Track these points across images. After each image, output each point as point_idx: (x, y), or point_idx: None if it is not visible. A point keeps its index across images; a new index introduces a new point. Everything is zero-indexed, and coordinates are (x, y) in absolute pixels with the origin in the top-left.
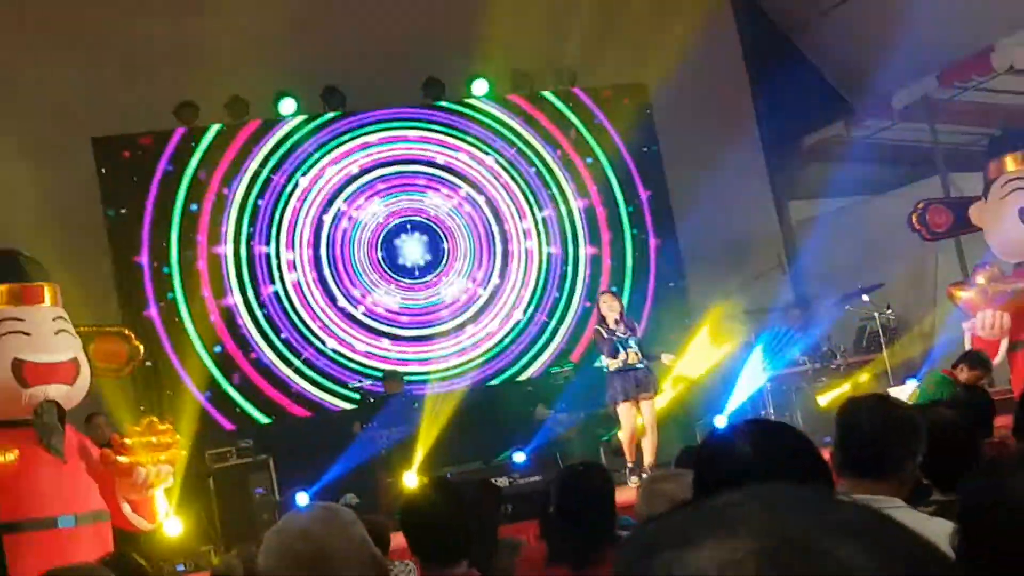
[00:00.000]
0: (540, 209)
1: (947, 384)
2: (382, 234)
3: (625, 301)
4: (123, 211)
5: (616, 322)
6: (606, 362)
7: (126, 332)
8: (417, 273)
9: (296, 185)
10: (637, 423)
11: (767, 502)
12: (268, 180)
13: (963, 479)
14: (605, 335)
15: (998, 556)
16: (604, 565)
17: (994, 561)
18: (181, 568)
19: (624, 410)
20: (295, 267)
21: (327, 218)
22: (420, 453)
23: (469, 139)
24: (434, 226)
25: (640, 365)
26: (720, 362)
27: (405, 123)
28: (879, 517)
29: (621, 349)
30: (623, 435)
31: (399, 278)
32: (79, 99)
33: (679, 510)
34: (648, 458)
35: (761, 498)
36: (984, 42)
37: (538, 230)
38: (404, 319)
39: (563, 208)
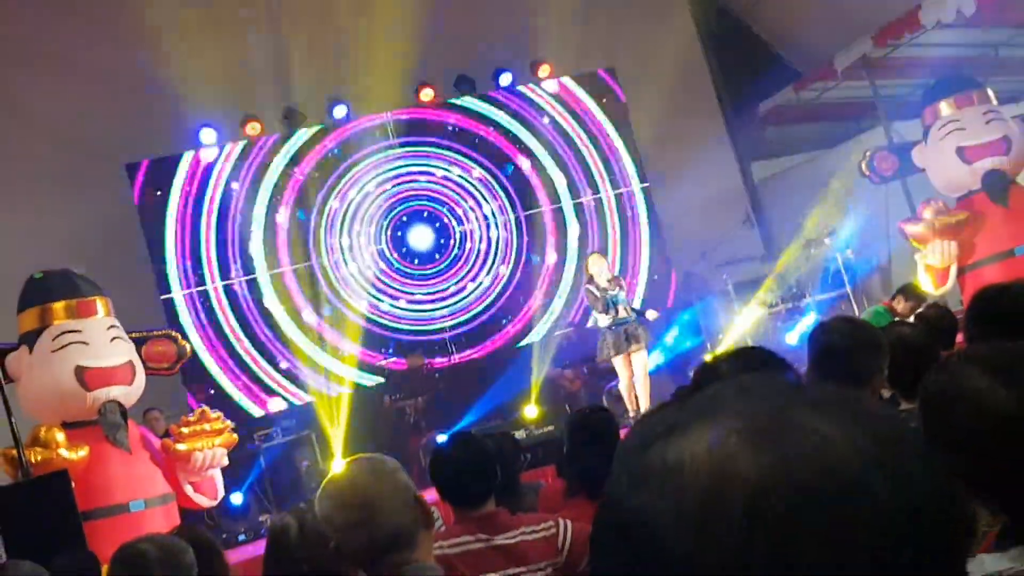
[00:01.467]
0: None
1: (885, 316)
2: (387, 224)
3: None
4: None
5: (608, 280)
6: (598, 318)
7: (173, 334)
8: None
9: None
10: (633, 373)
11: (744, 389)
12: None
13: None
14: (597, 294)
15: (954, 439)
16: None
17: (950, 444)
18: (242, 538)
19: (618, 363)
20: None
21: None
22: (443, 416)
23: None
24: (444, 211)
25: (630, 319)
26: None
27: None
28: (851, 395)
29: (612, 305)
30: (622, 386)
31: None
32: (104, 128)
33: (666, 405)
34: (644, 403)
35: (739, 386)
36: (914, 1)
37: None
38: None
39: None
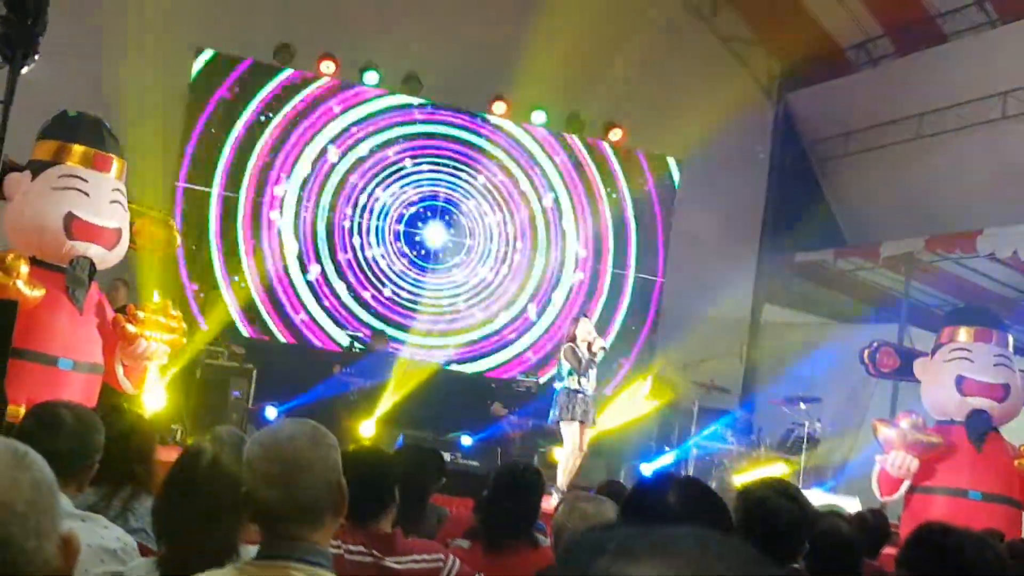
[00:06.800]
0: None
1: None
2: (406, 216)
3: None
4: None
5: (597, 350)
6: (569, 380)
7: (170, 222)
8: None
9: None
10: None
11: (706, 547)
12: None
13: None
14: (581, 356)
15: None
16: (513, 555)
17: None
18: None
19: (572, 429)
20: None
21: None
22: (381, 408)
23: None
24: (459, 215)
25: (591, 393)
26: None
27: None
28: None
29: (586, 374)
30: (565, 453)
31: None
32: (186, 10)
33: (623, 527)
34: (567, 479)
35: (700, 539)
36: (977, 224)
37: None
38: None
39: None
